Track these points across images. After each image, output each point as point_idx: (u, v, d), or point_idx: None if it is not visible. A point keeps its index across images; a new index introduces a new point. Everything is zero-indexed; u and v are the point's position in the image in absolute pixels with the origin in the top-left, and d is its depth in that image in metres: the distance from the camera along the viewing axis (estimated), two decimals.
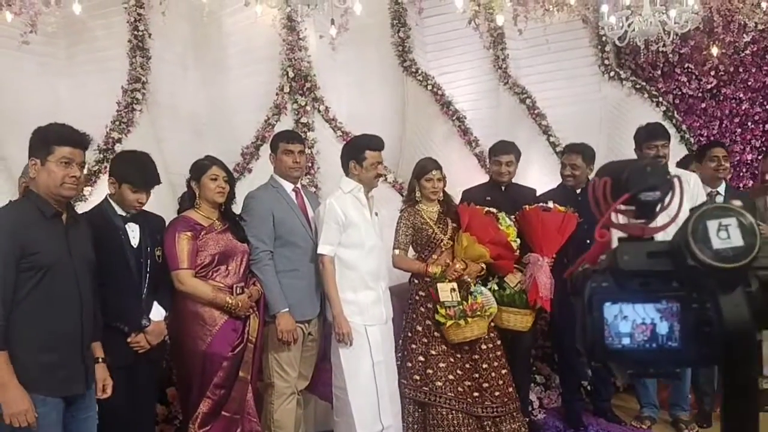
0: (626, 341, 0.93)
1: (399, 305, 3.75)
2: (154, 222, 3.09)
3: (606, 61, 5.58)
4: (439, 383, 3.54)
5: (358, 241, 3.39)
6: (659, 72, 5.90)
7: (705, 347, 0.90)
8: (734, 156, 5.70)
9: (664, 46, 4.97)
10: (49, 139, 2.38)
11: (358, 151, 3.45)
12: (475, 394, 3.58)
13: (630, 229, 0.97)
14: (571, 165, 4.07)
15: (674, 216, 0.97)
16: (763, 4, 5.39)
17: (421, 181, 3.71)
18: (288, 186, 3.47)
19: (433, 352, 3.58)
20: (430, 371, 3.56)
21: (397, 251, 3.66)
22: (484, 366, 3.63)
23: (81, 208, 3.92)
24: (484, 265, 3.68)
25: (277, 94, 4.90)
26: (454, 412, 3.51)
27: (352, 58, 5.12)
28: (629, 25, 4.60)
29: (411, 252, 3.77)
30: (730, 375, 0.91)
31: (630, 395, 4.41)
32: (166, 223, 3.15)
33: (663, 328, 0.92)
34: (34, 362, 2.28)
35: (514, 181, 4.25)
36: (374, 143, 3.48)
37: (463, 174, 4.78)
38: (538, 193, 4.19)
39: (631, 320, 0.93)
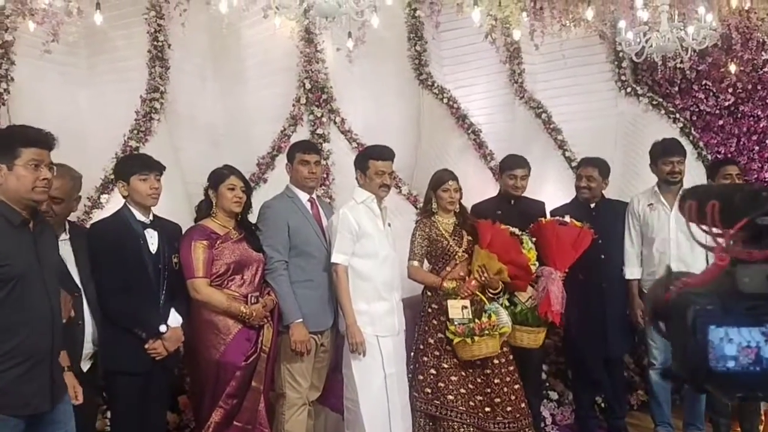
0: (731, 364, 0.94)
1: (411, 317, 3.74)
2: (172, 229, 3.13)
3: (623, 77, 5.56)
4: (451, 397, 3.51)
5: (372, 251, 3.40)
6: (676, 88, 5.87)
7: None
8: (752, 174, 5.65)
9: (681, 62, 4.94)
10: (14, 141, 2.22)
11: (363, 160, 3.50)
12: (487, 409, 3.55)
13: (740, 253, 0.97)
14: (587, 177, 4.06)
15: None
16: None
17: (437, 192, 3.71)
18: (303, 196, 3.49)
19: (445, 366, 3.55)
20: (441, 384, 3.53)
21: (414, 262, 3.65)
22: (496, 381, 3.60)
23: (97, 215, 4.00)
24: (502, 283, 3.66)
25: (293, 106, 4.94)
26: (465, 426, 3.48)
27: (368, 71, 5.16)
28: (647, 41, 4.58)
29: (425, 263, 3.76)
30: None
31: (644, 413, 4.35)
32: (183, 231, 3.18)
33: None
34: None
35: (523, 193, 4.25)
36: (378, 153, 3.50)
37: (477, 187, 4.78)
38: (551, 208, 4.18)
39: (737, 343, 0.94)
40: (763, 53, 5.56)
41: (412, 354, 3.66)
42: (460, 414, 3.48)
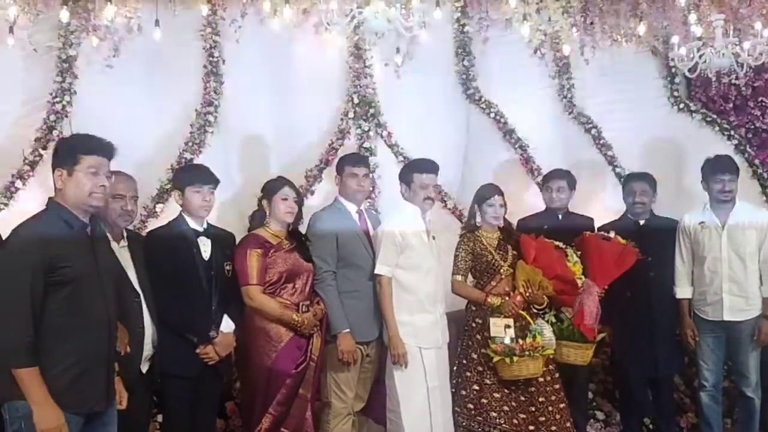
0: None
1: (455, 331, 3.74)
2: (225, 238, 3.22)
3: (675, 93, 5.45)
4: (494, 413, 3.49)
5: (416, 264, 3.43)
6: (731, 105, 5.72)
7: None
8: None
9: (736, 78, 4.84)
10: (75, 148, 2.31)
11: (407, 173, 3.57)
12: (531, 427, 3.51)
13: None
14: (642, 191, 4.00)
15: None
16: None
17: (482, 207, 3.71)
18: (352, 208, 3.55)
19: (488, 382, 3.54)
20: (484, 401, 3.52)
21: (458, 277, 3.65)
22: (541, 399, 3.55)
23: (152, 224, 4.12)
24: (546, 299, 3.63)
25: (341, 120, 5.01)
26: None
27: (415, 85, 5.19)
28: (700, 57, 4.51)
29: (470, 278, 3.76)
30: None
31: None
32: (236, 240, 3.27)
33: None
34: (60, 378, 2.21)
35: (573, 210, 4.21)
36: (422, 166, 3.55)
37: (524, 202, 4.75)
38: (600, 224, 4.13)
39: None
40: None
41: (455, 369, 3.66)
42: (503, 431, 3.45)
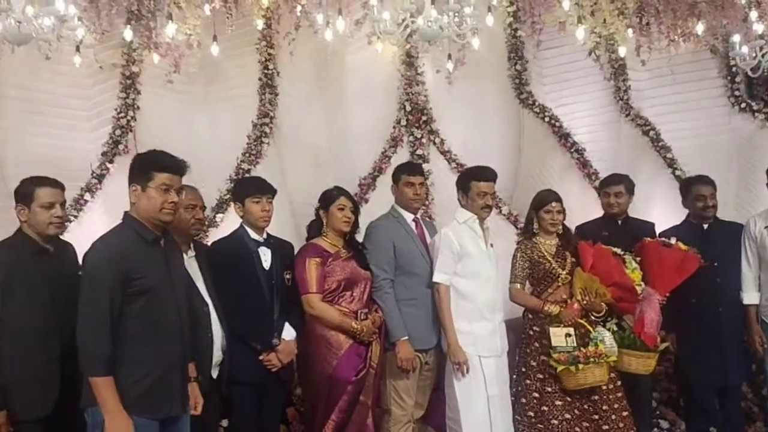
0: None
1: (513, 339, 3.71)
2: (285, 247, 3.29)
3: (736, 92, 5.30)
4: (555, 422, 3.44)
5: (474, 271, 3.42)
6: None
7: None
8: None
9: None
10: (149, 166, 2.39)
11: (465, 181, 3.56)
12: None
13: None
14: (710, 195, 3.90)
15: None
16: None
17: (539, 213, 3.67)
18: (408, 216, 3.57)
19: (549, 389, 3.49)
20: (545, 408, 3.47)
21: (516, 285, 3.63)
22: (604, 407, 3.49)
23: (213, 234, 4.23)
24: (605, 306, 3.57)
25: (394, 127, 5.06)
26: None
27: (467, 91, 5.20)
28: (763, 56, 4.37)
29: (527, 285, 3.72)
30: None
31: None
32: (295, 249, 3.34)
33: None
34: (136, 385, 2.28)
35: (632, 215, 4.13)
36: (479, 174, 3.53)
37: (581, 208, 4.68)
38: (661, 229, 4.04)
39: None
40: None
41: (515, 376, 3.62)
42: None
